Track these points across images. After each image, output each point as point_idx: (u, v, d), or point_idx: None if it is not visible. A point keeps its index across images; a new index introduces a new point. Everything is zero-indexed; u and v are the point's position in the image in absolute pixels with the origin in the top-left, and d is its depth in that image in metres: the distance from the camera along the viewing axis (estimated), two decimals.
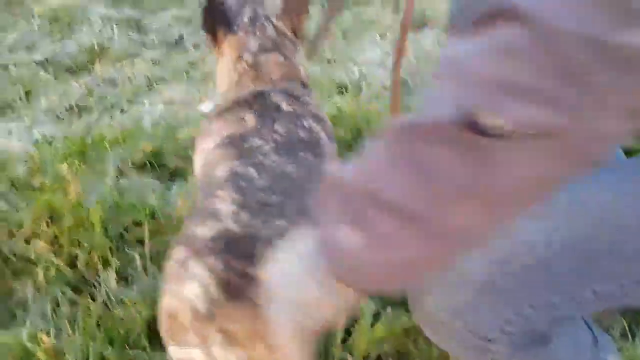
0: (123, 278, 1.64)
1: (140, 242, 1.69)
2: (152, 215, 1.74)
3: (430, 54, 2.77)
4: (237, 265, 0.99)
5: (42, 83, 2.36)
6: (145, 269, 1.65)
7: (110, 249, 1.66)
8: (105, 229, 1.68)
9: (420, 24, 2.96)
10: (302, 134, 1.33)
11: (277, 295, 0.88)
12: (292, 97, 1.41)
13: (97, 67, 2.48)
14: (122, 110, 2.27)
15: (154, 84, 2.43)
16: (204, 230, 1.07)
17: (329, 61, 2.68)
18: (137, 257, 1.63)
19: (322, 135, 1.38)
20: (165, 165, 1.99)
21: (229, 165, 1.24)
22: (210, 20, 1.44)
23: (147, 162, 1.96)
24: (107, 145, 1.95)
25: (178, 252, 1.07)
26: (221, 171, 1.22)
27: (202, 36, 2.68)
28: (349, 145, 2.08)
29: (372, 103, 2.36)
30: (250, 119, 1.34)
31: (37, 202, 1.69)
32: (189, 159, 1.99)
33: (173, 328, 1.05)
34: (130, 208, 1.75)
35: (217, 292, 0.98)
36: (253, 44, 1.42)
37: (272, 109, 1.36)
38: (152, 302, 1.55)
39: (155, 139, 2.04)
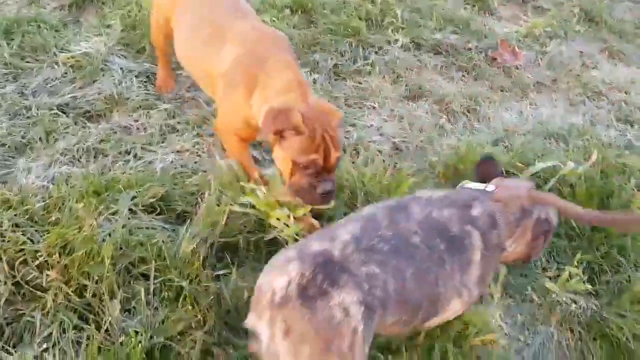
0: (127, 310, 1.76)
1: (146, 277, 1.82)
2: (159, 254, 1.87)
3: (422, 121, 2.98)
4: (321, 280, 1.32)
5: (61, 126, 2.53)
6: (148, 303, 1.77)
7: (117, 281, 1.78)
8: (114, 264, 1.81)
9: (416, 95, 3.20)
10: (455, 229, 1.57)
11: None
12: None
13: (115, 114, 2.66)
14: (135, 156, 2.43)
15: (167, 134, 2.61)
16: (316, 245, 1.42)
17: None
18: (142, 291, 1.75)
19: (477, 255, 1.59)
20: (174, 208, 2.14)
21: (375, 208, 1.59)
22: None
23: (157, 206, 2.10)
24: (121, 187, 2.10)
25: (290, 252, 1.44)
26: (366, 210, 1.60)
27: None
28: (344, 203, 2.25)
29: (367, 165, 2.53)
30: None
31: (52, 233, 1.82)
32: (195, 204, 2.15)
33: (257, 300, 1.39)
34: (138, 245, 1.88)
35: (295, 291, 1.30)
36: None
37: None
38: (153, 332, 1.67)
39: (165, 184, 2.19)
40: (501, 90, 3.37)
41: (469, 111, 3.13)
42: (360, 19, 3.66)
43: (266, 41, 2.19)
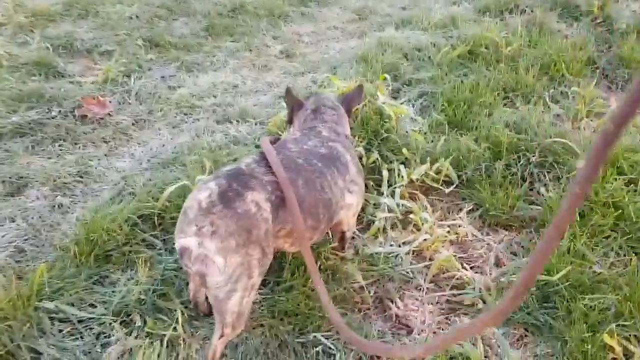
0: None
1: None
2: None
3: (38, 211, 2.72)
4: (236, 186, 1.68)
5: None
6: None
7: None
8: None
9: (20, 187, 2.90)
10: (324, 150, 2.07)
11: None
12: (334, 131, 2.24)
13: None
14: None
15: None
16: (227, 168, 1.81)
17: None
18: None
19: (347, 156, 2.12)
20: None
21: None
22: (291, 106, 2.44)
23: None
24: None
25: (206, 177, 1.84)
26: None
27: None
28: None
29: None
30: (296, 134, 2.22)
31: None
32: None
33: (182, 220, 1.66)
34: None
35: (217, 198, 1.63)
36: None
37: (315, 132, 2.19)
38: None
39: None
40: (105, 142, 3.29)
41: (81, 176, 2.98)
42: None
43: None
